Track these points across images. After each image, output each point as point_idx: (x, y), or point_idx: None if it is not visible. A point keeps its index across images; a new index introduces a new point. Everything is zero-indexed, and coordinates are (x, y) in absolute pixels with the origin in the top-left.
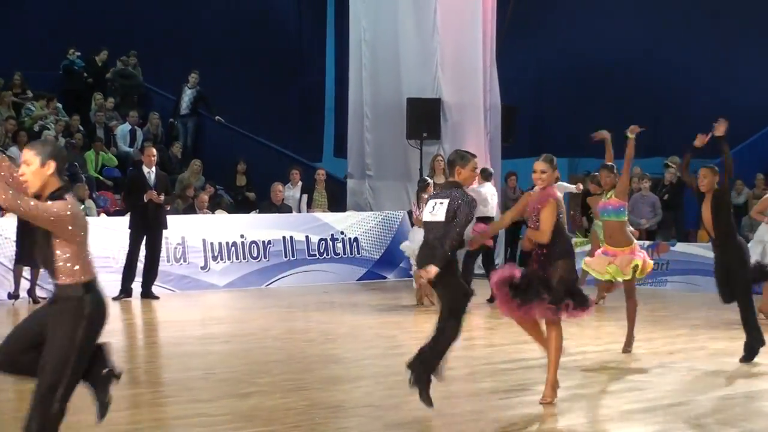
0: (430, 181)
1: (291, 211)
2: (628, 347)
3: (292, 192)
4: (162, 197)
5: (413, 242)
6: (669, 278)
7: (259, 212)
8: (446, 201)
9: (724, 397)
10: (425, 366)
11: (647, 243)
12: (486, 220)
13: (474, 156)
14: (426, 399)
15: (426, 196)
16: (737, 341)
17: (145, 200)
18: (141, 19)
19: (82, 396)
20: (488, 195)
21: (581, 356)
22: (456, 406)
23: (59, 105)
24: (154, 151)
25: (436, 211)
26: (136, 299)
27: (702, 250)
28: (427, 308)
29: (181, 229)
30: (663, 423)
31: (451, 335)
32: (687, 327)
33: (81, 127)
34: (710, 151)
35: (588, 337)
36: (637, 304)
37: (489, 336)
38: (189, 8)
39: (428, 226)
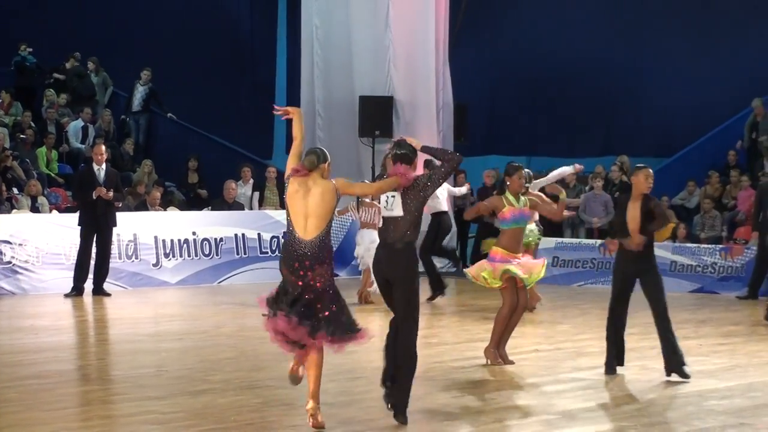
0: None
1: (243, 209)
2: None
3: (243, 189)
4: (111, 194)
5: (361, 244)
6: None
7: (212, 209)
8: (398, 193)
9: (676, 396)
10: (401, 391)
11: (599, 242)
12: (437, 215)
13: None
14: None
15: (367, 199)
16: (689, 340)
17: (94, 197)
18: (93, 16)
19: (33, 393)
20: (437, 190)
21: (534, 354)
22: (409, 404)
23: (18, 102)
24: (103, 148)
25: (390, 205)
26: (87, 296)
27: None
28: (374, 305)
29: (133, 226)
30: (616, 422)
31: (413, 348)
32: (639, 325)
33: (32, 124)
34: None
35: (540, 336)
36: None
37: (440, 334)
38: (142, 5)
39: (387, 222)
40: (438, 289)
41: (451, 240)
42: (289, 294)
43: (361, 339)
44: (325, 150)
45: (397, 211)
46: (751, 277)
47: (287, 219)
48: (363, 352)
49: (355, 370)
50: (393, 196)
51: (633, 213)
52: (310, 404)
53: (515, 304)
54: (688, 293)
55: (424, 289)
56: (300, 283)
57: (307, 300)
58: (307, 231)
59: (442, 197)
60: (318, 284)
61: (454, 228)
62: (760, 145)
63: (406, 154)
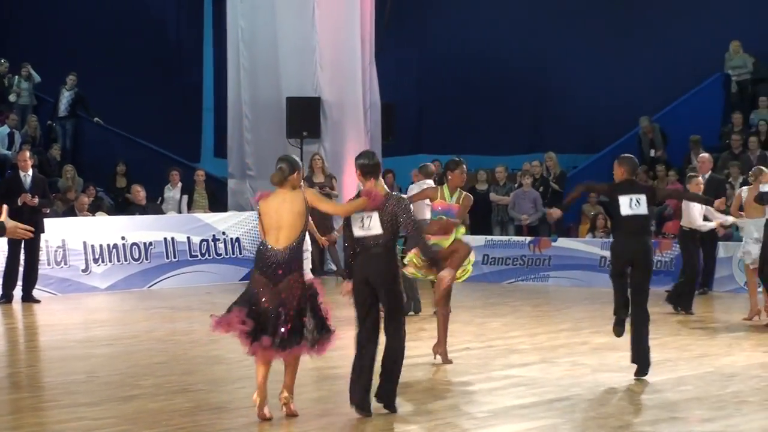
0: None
1: (145, 212)
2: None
3: (172, 193)
4: (36, 200)
5: None
6: (551, 273)
7: (140, 214)
8: (375, 213)
9: (607, 391)
10: (391, 386)
11: (529, 239)
12: None
13: None
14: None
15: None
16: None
17: (20, 203)
18: (17, 20)
19: None
20: None
21: (465, 353)
22: (339, 406)
23: None
24: (28, 154)
25: (367, 225)
26: (16, 303)
27: (583, 245)
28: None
29: (61, 232)
30: (547, 418)
31: (401, 345)
32: (569, 322)
33: None
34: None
35: (471, 333)
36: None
37: None
38: (68, 9)
39: (363, 241)
40: None
41: None
42: (259, 306)
43: (330, 343)
44: (297, 159)
45: (375, 230)
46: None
47: (260, 230)
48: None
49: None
50: (369, 217)
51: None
52: (284, 393)
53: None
54: None
55: None
56: (272, 291)
57: (277, 312)
58: (279, 241)
59: None
60: (290, 292)
61: None
62: (664, 157)
63: (374, 166)
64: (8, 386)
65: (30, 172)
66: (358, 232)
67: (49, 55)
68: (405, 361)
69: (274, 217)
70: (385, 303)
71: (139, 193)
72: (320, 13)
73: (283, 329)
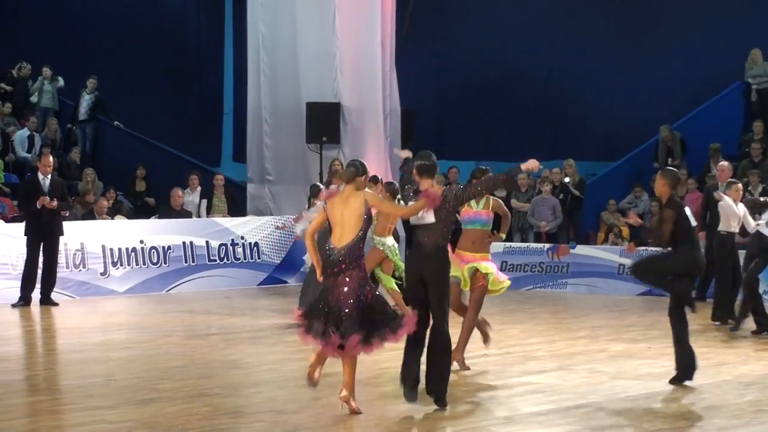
0: (321, 186)
1: (190, 216)
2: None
3: (191, 197)
4: (55, 203)
5: None
6: (569, 281)
7: (159, 218)
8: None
9: (624, 399)
10: (441, 380)
11: (547, 246)
12: None
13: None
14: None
15: (318, 202)
16: (638, 343)
17: (38, 206)
18: (39, 23)
19: None
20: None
21: (483, 359)
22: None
23: None
24: (50, 159)
25: (421, 213)
26: (35, 306)
27: (601, 253)
28: None
29: (81, 235)
30: (564, 425)
31: (447, 341)
32: (587, 329)
33: None
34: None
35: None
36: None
37: None
38: (88, 13)
39: (419, 228)
40: None
41: None
42: (324, 303)
43: (400, 334)
44: (365, 163)
45: (429, 218)
46: (698, 280)
47: (313, 227)
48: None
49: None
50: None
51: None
52: (344, 393)
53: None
54: (637, 296)
55: None
56: (335, 289)
57: (339, 306)
58: (341, 239)
59: None
60: (350, 287)
61: None
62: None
63: (430, 167)
64: (26, 389)
65: (49, 175)
66: (413, 220)
67: (69, 59)
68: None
69: (337, 216)
70: (434, 299)
71: (179, 198)
72: (341, 19)
73: (344, 319)
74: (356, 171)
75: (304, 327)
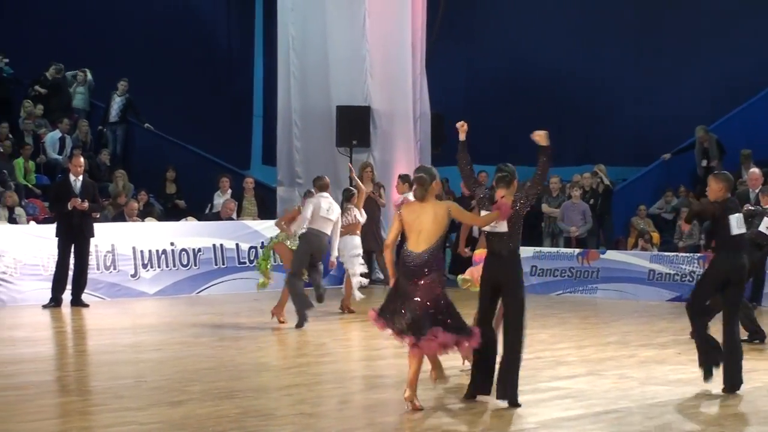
0: (355, 191)
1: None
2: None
3: (221, 200)
4: (86, 204)
5: (345, 248)
6: (599, 286)
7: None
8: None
9: (654, 405)
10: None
11: (577, 251)
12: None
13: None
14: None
15: (350, 206)
16: (668, 348)
17: (70, 208)
18: (70, 26)
19: (11, 404)
20: None
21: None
22: (387, 415)
23: None
24: (82, 160)
25: (495, 223)
26: (65, 307)
27: (631, 258)
28: (355, 315)
29: (111, 237)
30: (594, 431)
31: (521, 343)
32: (617, 334)
33: (10, 135)
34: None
35: None
36: None
37: None
38: (119, 16)
39: (491, 236)
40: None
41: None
42: (402, 304)
43: (469, 342)
44: (433, 169)
45: (501, 228)
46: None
47: (392, 233)
48: (340, 362)
49: (333, 381)
50: None
51: None
52: (407, 392)
53: None
54: (667, 302)
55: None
56: (411, 290)
57: (418, 306)
58: (419, 245)
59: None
60: (428, 290)
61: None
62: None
63: (507, 177)
64: (57, 390)
65: (80, 176)
66: (486, 228)
67: (100, 61)
68: (454, 371)
69: (415, 223)
70: (510, 303)
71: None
72: (371, 22)
73: (422, 317)
74: (428, 179)
75: (384, 321)
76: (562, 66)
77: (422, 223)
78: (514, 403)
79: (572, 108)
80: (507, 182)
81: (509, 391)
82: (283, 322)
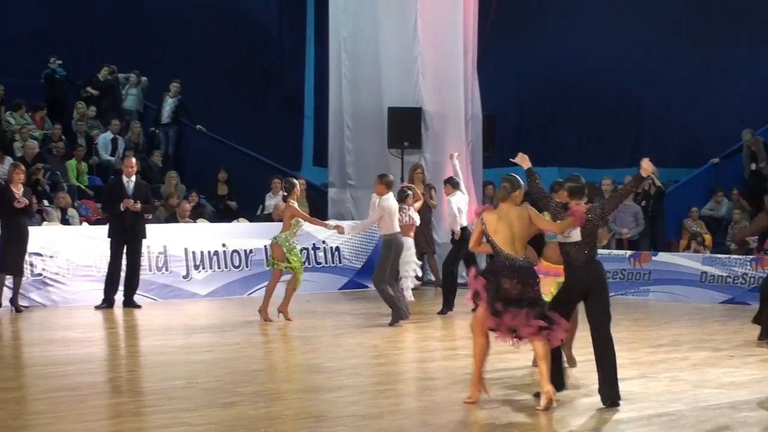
0: (409, 192)
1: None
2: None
3: (273, 201)
4: (138, 205)
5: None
6: (651, 288)
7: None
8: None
9: (708, 408)
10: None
11: (629, 253)
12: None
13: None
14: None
15: (405, 207)
16: (720, 351)
17: (122, 209)
18: (122, 28)
19: (64, 405)
20: (461, 204)
21: (565, 367)
22: (440, 417)
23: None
24: (134, 161)
25: (568, 232)
26: (117, 308)
27: (684, 260)
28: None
29: (163, 238)
30: None
31: (613, 345)
32: (669, 337)
33: (63, 137)
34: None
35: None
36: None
37: (469, 345)
38: (170, 18)
39: (566, 245)
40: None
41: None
42: (506, 302)
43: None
44: (519, 178)
45: (574, 236)
46: None
47: (475, 238)
48: (392, 364)
49: (385, 383)
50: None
51: None
52: (545, 394)
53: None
54: (719, 304)
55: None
56: (521, 288)
57: (522, 303)
58: (518, 251)
59: (465, 211)
60: (534, 292)
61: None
62: (765, 171)
63: (579, 188)
64: (109, 390)
65: (133, 178)
66: (559, 238)
67: (152, 63)
68: (500, 374)
69: (509, 231)
70: (600, 308)
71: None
72: (423, 24)
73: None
74: (510, 187)
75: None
76: (613, 67)
77: (515, 230)
78: (616, 404)
79: (623, 109)
80: (579, 194)
81: (614, 395)
82: (290, 320)
